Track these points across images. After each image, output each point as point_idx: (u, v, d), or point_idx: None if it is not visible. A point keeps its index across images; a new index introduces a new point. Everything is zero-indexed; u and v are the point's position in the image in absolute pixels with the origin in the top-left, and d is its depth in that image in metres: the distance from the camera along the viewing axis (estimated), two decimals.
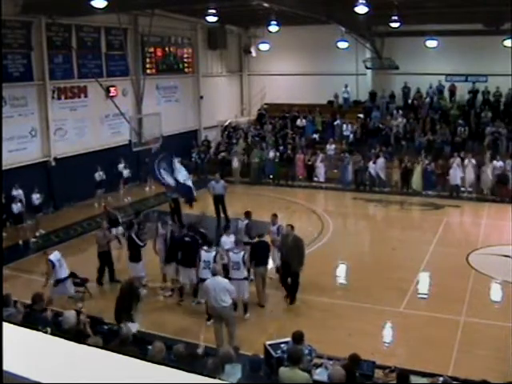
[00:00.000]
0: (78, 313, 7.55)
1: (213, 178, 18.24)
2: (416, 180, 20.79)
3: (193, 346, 7.85)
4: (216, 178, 17.97)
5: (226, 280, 9.70)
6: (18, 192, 16.45)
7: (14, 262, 13.69)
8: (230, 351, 6.79)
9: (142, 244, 11.99)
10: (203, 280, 10.38)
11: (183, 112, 25.75)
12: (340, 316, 10.92)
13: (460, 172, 20.19)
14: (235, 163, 23.56)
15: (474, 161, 20.33)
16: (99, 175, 19.58)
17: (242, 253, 10.77)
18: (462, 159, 20.48)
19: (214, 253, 10.76)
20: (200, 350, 7.42)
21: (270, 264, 12.07)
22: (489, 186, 20.19)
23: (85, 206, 19.47)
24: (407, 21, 21.67)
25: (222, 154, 24.92)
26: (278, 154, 23.49)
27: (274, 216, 13.03)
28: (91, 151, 20.54)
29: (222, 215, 17.52)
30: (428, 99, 25.85)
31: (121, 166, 20.99)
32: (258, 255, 11.24)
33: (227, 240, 11.82)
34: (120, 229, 14.51)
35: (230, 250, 11.02)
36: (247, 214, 13.16)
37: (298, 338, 7.08)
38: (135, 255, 11.93)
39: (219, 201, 17.42)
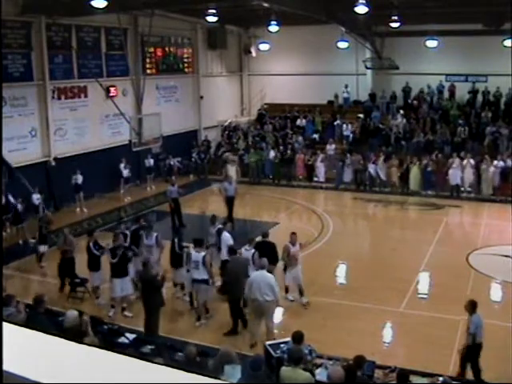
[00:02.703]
0: (80, 313, 7.54)
1: (225, 179, 18.14)
2: (413, 180, 20.78)
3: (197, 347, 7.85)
4: (229, 179, 17.82)
5: (272, 276, 9.56)
6: (3, 200, 15.87)
7: (13, 262, 13.69)
8: (229, 351, 6.77)
9: (98, 253, 11.59)
10: (195, 281, 10.46)
11: (183, 112, 25.72)
12: (340, 316, 10.91)
13: (460, 172, 20.18)
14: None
15: (472, 161, 20.30)
16: (75, 178, 18.91)
17: (253, 251, 10.70)
18: (462, 159, 20.47)
19: (203, 253, 10.53)
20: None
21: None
22: (490, 184, 20.12)
23: (84, 205, 19.46)
24: (407, 21, 21.70)
25: (226, 153, 24.78)
26: (278, 153, 23.47)
27: (214, 217, 12.89)
28: (91, 151, 20.54)
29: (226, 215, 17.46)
30: (428, 99, 25.86)
31: (121, 166, 20.97)
32: (264, 254, 11.12)
33: (226, 235, 11.82)
34: (46, 247, 13.82)
35: (241, 247, 10.98)
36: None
37: (298, 338, 7.07)
38: (93, 264, 11.61)
39: (229, 202, 17.17)
